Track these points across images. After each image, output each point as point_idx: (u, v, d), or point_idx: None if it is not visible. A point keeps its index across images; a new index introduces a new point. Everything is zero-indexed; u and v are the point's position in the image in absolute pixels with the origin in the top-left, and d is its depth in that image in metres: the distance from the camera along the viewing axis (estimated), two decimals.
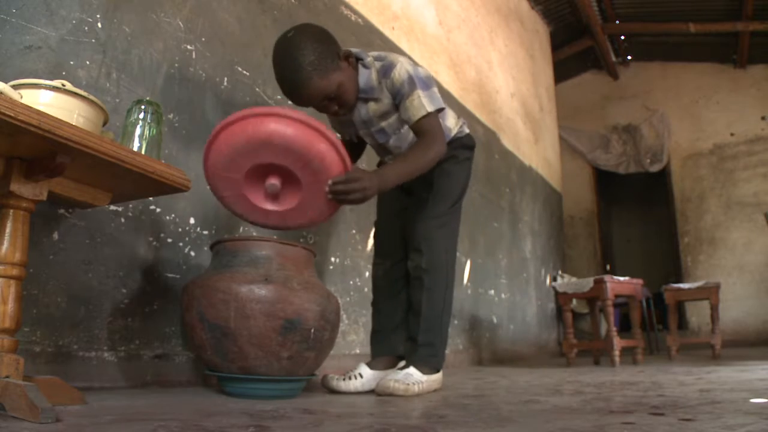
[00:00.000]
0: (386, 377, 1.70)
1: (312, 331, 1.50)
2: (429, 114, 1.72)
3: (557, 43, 6.81)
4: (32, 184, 1.14)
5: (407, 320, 1.92)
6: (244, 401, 1.42)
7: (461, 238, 3.75)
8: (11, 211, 1.12)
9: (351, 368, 1.86)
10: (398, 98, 1.77)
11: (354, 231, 2.72)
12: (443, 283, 1.86)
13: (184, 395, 1.51)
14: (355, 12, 2.97)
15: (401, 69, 1.73)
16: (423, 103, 1.72)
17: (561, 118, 7.00)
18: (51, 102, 1.17)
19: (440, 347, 1.87)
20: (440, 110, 1.77)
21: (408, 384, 1.66)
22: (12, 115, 0.96)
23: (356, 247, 2.72)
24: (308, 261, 1.65)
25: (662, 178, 7.13)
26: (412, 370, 1.73)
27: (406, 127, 1.85)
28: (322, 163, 1.44)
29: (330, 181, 1.46)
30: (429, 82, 1.78)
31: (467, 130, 2.06)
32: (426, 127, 1.72)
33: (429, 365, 1.79)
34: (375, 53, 1.83)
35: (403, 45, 3.38)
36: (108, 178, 1.31)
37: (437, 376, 1.83)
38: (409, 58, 3.42)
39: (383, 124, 1.86)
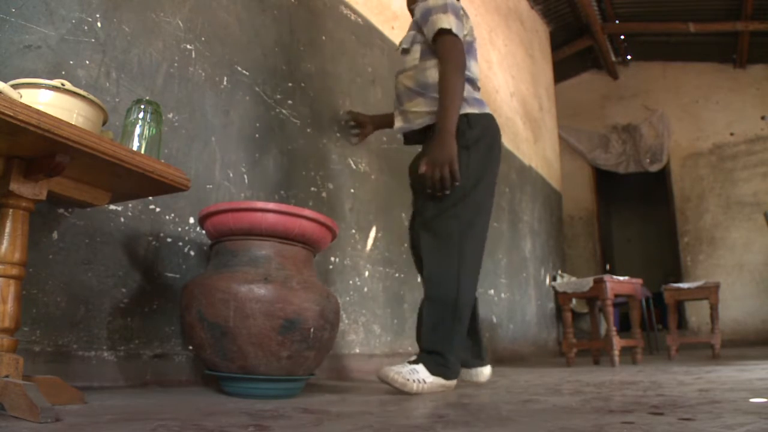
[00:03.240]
0: (392, 366, 1.69)
1: (311, 330, 1.50)
2: (450, 31, 1.76)
3: (557, 42, 6.81)
4: (32, 183, 1.14)
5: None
6: (243, 401, 1.42)
7: None
8: (11, 210, 1.12)
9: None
10: (425, 17, 1.84)
11: (354, 231, 2.72)
12: (443, 293, 1.76)
13: (184, 395, 1.51)
14: (355, 11, 2.97)
15: None
16: (447, 20, 1.77)
17: (561, 118, 7.00)
18: (50, 101, 1.17)
19: (449, 356, 1.74)
20: (457, 37, 1.80)
21: (408, 379, 1.64)
22: (11, 114, 0.96)
23: (356, 246, 2.72)
24: (308, 260, 1.65)
25: (662, 177, 7.13)
26: (420, 367, 1.69)
27: (415, 64, 1.90)
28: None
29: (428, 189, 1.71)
30: (458, 14, 1.84)
31: (486, 109, 1.90)
32: (447, 44, 1.77)
33: (438, 371, 1.72)
34: None
35: None
36: (107, 178, 1.31)
37: (446, 382, 1.74)
38: None
39: (405, 54, 1.95)
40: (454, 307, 1.76)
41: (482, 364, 2.07)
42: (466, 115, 1.84)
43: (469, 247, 1.79)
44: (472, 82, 1.93)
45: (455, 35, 1.79)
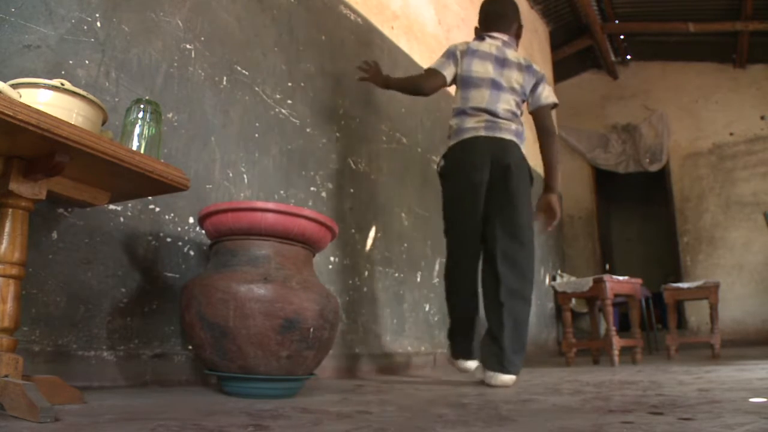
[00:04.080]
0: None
1: (311, 330, 1.50)
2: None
3: (556, 42, 6.81)
4: (31, 183, 1.14)
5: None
6: (243, 400, 1.42)
7: None
8: (10, 210, 1.12)
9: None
10: None
11: (353, 231, 2.72)
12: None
13: (184, 394, 1.51)
14: (355, 11, 2.97)
15: None
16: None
17: (560, 118, 7.00)
18: (50, 101, 1.17)
19: (449, 342, 2.35)
20: (430, 68, 2.38)
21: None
22: (11, 114, 0.96)
23: (355, 246, 2.72)
24: (307, 260, 1.65)
25: (661, 177, 7.13)
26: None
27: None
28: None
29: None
30: (447, 53, 2.38)
31: (463, 136, 2.25)
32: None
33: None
34: None
35: (402, 44, 3.38)
36: (107, 178, 1.31)
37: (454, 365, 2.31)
38: (409, 57, 3.40)
39: None
40: (449, 307, 2.38)
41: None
42: (456, 143, 2.28)
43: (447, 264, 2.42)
44: (458, 112, 2.31)
45: (428, 68, 2.40)
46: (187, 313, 1.49)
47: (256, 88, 2.24)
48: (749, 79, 6.66)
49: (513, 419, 1.09)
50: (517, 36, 2.48)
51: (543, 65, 6.33)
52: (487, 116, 2.23)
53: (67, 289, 1.51)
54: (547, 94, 2.36)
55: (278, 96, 2.35)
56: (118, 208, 1.67)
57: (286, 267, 1.54)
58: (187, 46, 1.96)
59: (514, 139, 2.21)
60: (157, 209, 1.79)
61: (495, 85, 2.27)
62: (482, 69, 2.28)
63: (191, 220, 1.90)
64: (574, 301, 4.37)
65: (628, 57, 7.33)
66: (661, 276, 7.11)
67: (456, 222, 2.24)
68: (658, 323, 6.05)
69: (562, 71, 7.15)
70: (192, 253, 1.89)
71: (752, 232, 6.24)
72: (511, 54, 2.36)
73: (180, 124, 1.90)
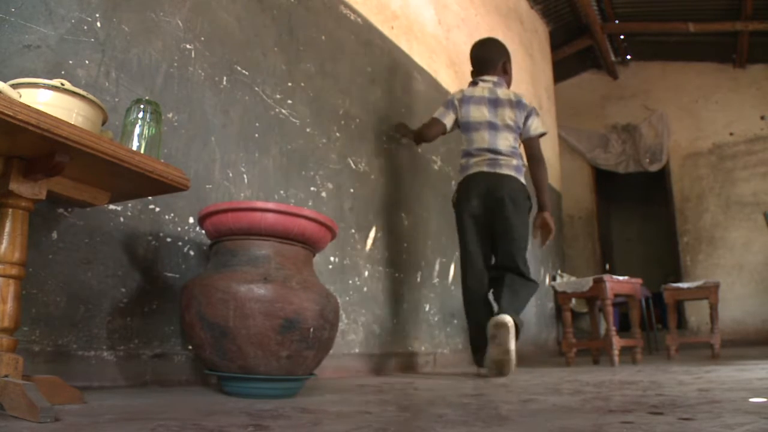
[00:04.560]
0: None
1: (311, 330, 1.50)
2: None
3: (556, 42, 6.81)
4: (31, 183, 1.14)
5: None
6: (243, 400, 1.42)
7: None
8: (10, 210, 1.12)
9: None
10: None
11: (353, 230, 2.72)
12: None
13: (184, 394, 1.51)
14: (354, 11, 2.97)
15: None
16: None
17: (560, 118, 7.00)
18: (50, 101, 1.17)
19: (472, 351, 2.64)
20: (433, 117, 2.81)
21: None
22: (11, 114, 0.96)
23: (355, 246, 2.72)
24: (307, 260, 1.65)
25: (661, 177, 7.13)
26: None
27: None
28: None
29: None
30: (446, 103, 2.81)
31: (467, 172, 2.71)
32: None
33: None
34: None
35: (402, 44, 3.38)
36: (107, 178, 1.31)
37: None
38: (409, 57, 3.41)
39: None
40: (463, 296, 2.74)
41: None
42: (464, 177, 2.74)
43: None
44: (465, 153, 2.75)
45: (432, 117, 2.83)
46: (187, 313, 1.49)
47: (256, 88, 2.24)
48: (749, 79, 6.66)
49: (513, 419, 1.09)
50: (505, 72, 2.84)
51: (543, 65, 6.34)
52: (490, 155, 2.64)
53: (67, 289, 1.51)
54: (536, 125, 2.73)
55: (278, 96, 2.35)
56: (118, 208, 1.67)
57: (286, 267, 1.54)
58: (187, 46, 1.96)
59: (512, 173, 2.63)
60: (157, 209, 1.79)
61: (492, 126, 2.67)
62: (479, 113, 2.68)
63: (191, 220, 1.90)
64: (574, 301, 4.37)
65: (628, 57, 7.34)
66: (661, 276, 7.11)
67: (462, 243, 2.66)
68: (658, 323, 6.06)
69: (562, 71, 7.15)
70: (192, 253, 1.89)
71: (752, 232, 6.24)
72: (501, 93, 2.73)
73: (180, 124, 1.90)
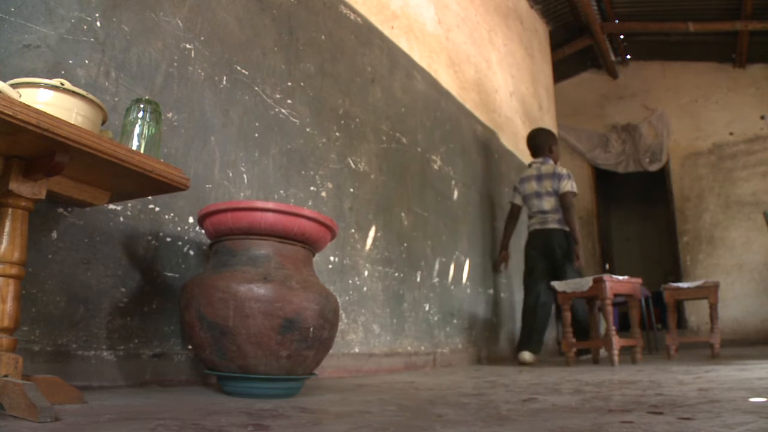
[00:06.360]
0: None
1: (311, 330, 1.50)
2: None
3: (556, 42, 6.81)
4: (31, 183, 1.14)
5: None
6: (243, 400, 1.42)
7: (460, 237, 3.77)
8: (10, 210, 1.12)
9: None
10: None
11: (353, 230, 2.72)
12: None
13: (183, 394, 1.51)
14: (354, 11, 2.96)
15: None
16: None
17: (560, 118, 7.00)
18: (50, 101, 1.17)
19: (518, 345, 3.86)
20: (510, 202, 4.28)
21: None
22: (10, 114, 0.96)
23: (355, 246, 2.72)
24: (307, 260, 1.65)
25: (661, 177, 7.14)
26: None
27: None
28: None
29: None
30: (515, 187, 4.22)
31: (530, 229, 4.05)
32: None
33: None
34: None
35: (402, 44, 3.38)
36: (107, 177, 1.31)
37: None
38: (409, 57, 3.41)
39: None
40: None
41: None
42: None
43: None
44: (528, 215, 4.09)
45: (510, 202, 4.28)
46: (187, 312, 1.49)
47: (256, 88, 2.24)
48: (749, 79, 6.66)
49: (513, 419, 1.09)
50: (551, 151, 4.04)
51: (543, 65, 6.34)
52: (540, 216, 3.93)
53: (67, 288, 1.51)
54: (565, 185, 3.82)
55: (278, 96, 2.35)
56: (118, 208, 1.67)
57: (286, 267, 1.54)
58: (187, 45, 1.96)
59: (556, 226, 3.87)
60: (157, 209, 1.79)
61: (538, 195, 3.92)
62: (529, 188, 3.97)
63: (191, 219, 1.90)
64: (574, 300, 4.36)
65: (628, 57, 7.34)
66: (660, 275, 7.12)
67: (525, 275, 3.99)
68: (658, 323, 6.06)
69: (561, 71, 7.16)
70: (192, 252, 1.89)
71: (752, 232, 6.25)
72: (545, 169, 3.92)
73: (180, 124, 1.90)
